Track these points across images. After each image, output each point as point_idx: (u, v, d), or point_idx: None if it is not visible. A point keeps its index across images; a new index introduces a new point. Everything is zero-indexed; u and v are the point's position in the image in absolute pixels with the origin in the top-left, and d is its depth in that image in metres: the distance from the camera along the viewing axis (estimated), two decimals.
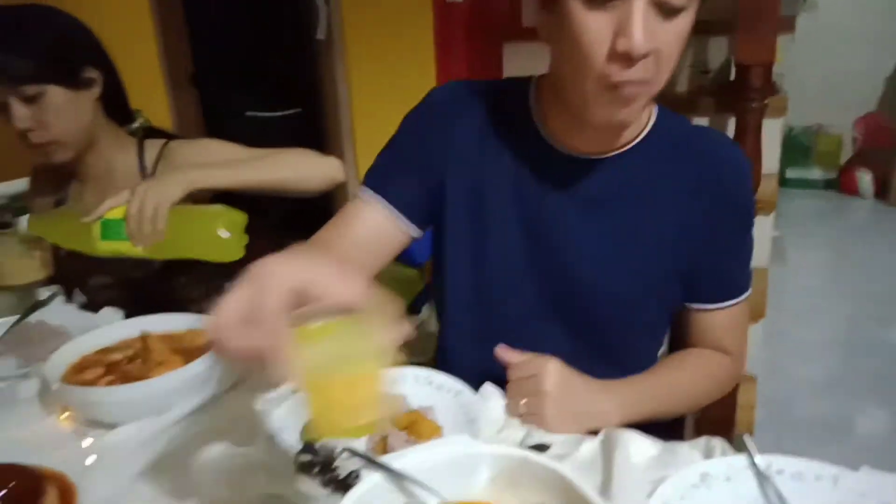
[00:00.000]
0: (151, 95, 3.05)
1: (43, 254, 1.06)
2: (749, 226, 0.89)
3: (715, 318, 0.89)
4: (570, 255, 0.85)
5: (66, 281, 1.22)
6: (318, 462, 0.71)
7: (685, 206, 0.83)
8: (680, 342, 0.95)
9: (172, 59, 3.17)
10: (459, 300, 0.92)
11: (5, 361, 0.96)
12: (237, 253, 0.99)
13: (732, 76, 1.98)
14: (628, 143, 0.83)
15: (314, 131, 3.26)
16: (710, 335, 0.91)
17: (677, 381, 0.88)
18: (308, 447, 0.74)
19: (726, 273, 0.89)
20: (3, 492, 0.64)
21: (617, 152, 0.83)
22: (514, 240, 0.87)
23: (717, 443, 0.69)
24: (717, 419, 1.45)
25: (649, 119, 0.84)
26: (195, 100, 3.33)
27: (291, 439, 0.75)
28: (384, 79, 2.94)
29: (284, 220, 1.71)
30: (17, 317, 1.05)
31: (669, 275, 0.86)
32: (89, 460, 0.73)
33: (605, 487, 0.65)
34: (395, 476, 0.62)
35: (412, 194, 0.88)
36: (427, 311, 2.54)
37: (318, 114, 3.24)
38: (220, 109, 3.41)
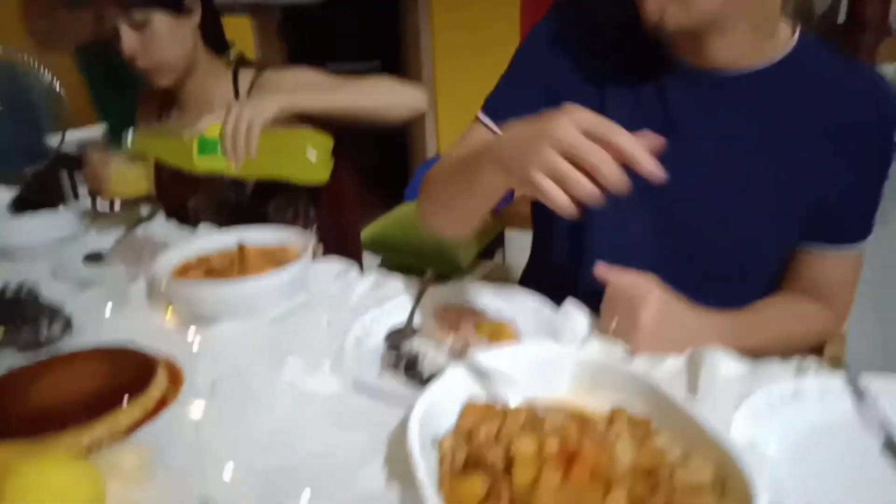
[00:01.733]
0: (241, 45, 3.14)
1: (147, 170, 1.13)
2: (884, 176, 0.81)
3: (824, 263, 0.84)
4: (688, 177, 0.79)
5: (168, 202, 1.30)
6: (402, 360, 0.74)
7: (817, 141, 0.78)
8: (778, 284, 0.89)
9: (261, 11, 3.26)
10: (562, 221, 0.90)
11: (116, 269, 1.03)
12: (323, 175, 1.02)
13: (841, 18, 1.84)
14: (751, 65, 0.77)
15: None
16: (813, 281, 0.85)
17: (774, 323, 0.83)
18: (394, 346, 0.77)
19: (847, 216, 0.82)
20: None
21: (740, 71, 0.77)
22: None
23: (812, 363, 0.66)
24: None
25: (785, 44, 0.78)
26: (281, 51, 3.42)
27: (377, 341, 0.78)
28: (468, 29, 2.91)
29: (361, 150, 1.75)
30: (124, 230, 1.13)
31: (791, 210, 0.81)
32: (194, 348, 0.78)
33: (690, 398, 0.65)
34: (479, 370, 0.63)
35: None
36: (499, 257, 2.55)
37: (397, 66, 3.25)
38: (303, 60, 3.49)
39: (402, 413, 0.65)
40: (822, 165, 0.78)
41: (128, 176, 1.12)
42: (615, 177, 0.54)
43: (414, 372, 0.72)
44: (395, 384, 0.71)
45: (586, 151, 0.55)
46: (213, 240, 0.98)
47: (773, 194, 0.80)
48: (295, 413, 0.67)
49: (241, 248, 0.93)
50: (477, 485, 0.49)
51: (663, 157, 0.81)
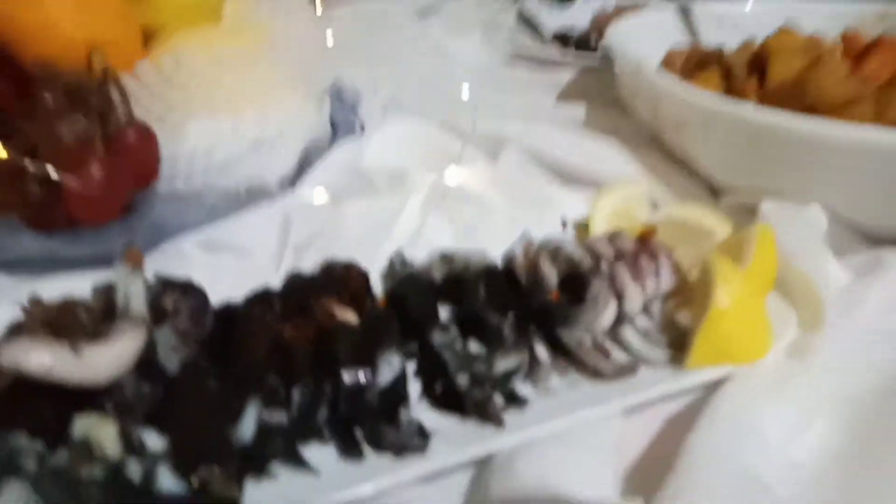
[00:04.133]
0: None
1: None
2: None
3: None
4: None
5: None
6: (571, 37, 0.60)
7: None
8: None
9: None
10: None
11: None
12: None
13: None
14: None
15: None
16: None
17: None
18: (560, 33, 0.62)
19: None
20: None
21: None
22: None
23: None
24: None
25: None
26: None
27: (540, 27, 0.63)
28: None
29: None
30: None
31: None
32: None
33: None
34: (690, 15, 0.48)
35: None
36: None
37: None
38: None
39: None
40: None
41: None
42: None
43: (587, 46, 0.57)
44: (564, 54, 0.57)
45: None
46: None
47: None
48: (439, 75, 0.55)
49: None
50: (714, 77, 0.35)
51: None
